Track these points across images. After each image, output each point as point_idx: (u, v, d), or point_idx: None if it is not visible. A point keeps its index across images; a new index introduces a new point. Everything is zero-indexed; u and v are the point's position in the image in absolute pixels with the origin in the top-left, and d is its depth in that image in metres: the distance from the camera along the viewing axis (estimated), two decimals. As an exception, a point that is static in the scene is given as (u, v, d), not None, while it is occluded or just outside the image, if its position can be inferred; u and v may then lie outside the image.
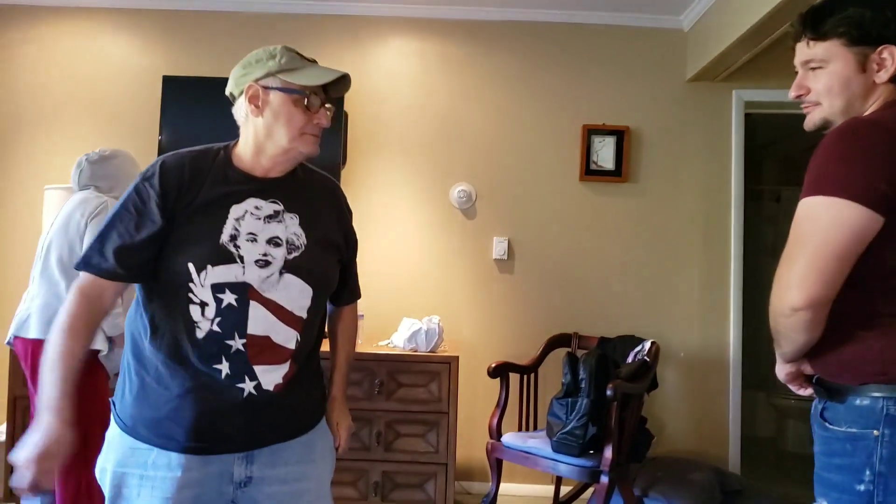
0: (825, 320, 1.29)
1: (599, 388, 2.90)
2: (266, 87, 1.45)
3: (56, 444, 1.31)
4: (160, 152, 3.66)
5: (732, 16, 3.22)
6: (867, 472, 1.25)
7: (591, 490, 3.51)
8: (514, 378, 3.37)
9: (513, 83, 3.90)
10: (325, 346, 1.71)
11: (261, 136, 1.47)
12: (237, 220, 1.43)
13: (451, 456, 3.17)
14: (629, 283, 3.85)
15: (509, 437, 3.16)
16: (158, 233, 1.40)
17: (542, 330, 3.75)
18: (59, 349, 1.37)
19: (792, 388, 1.52)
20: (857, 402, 1.29)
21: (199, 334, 1.39)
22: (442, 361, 3.20)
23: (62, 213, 2.71)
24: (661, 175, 3.87)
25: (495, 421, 3.21)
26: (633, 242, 3.86)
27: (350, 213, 1.68)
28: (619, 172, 3.83)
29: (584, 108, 3.88)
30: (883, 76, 1.35)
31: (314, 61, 1.52)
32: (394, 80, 3.90)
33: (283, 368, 1.45)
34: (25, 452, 1.30)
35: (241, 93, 1.48)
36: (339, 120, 3.56)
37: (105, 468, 1.43)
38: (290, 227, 1.48)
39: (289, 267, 1.45)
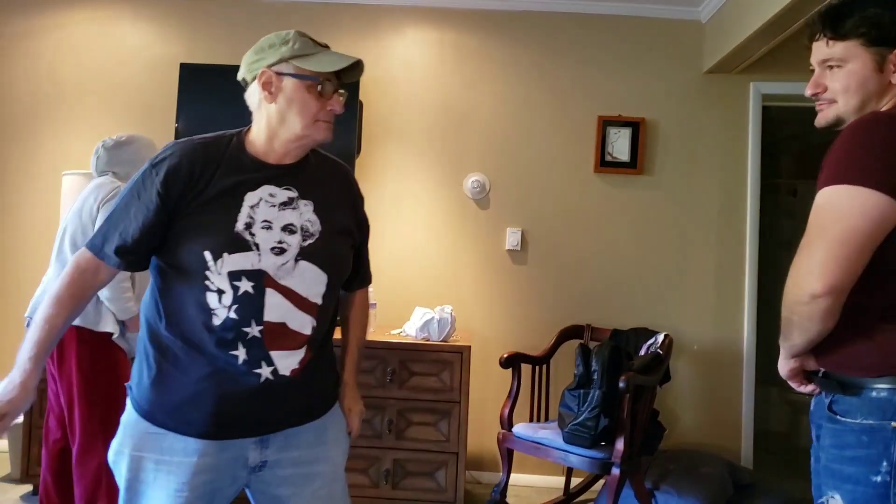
0: (840, 311, 1.29)
1: (612, 380, 2.90)
2: (279, 74, 1.45)
3: (8, 403, 1.36)
4: (176, 139, 3.67)
5: (751, 7, 3.18)
6: (884, 463, 1.26)
7: (601, 482, 3.52)
8: (525, 369, 3.37)
9: (529, 73, 3.89)
10: (337, 333, 1.72)
11: (274, 122, 1.47)
12: (252, 207, 1.43)
13: (462, 445, 3.18)
14: (643, 275, 3.83)
15: (520, 428, 3.17)
16: (159, 222, 1.40)
17: (554, 321, 3.75)
18: (42, 314, 1.40)
19: (792, 384, 1.52)
20: (874, 394, 1.30)
21: (216, 321, 1.39)
22: (454, 351, 3.21)
23: (79, 198, 2.74)
24: (677, 167, 3.85)
25: (507, 411, 3.21)
26: (647, 235, 3.84)
27: (362, 198, 1.68)
28: (634, 164, 3.82)
29: (599, 99, 3.86)
30: None
31: (326, 46, 1.51)
32: (409, 70, 3.90)
33: (300, 354, 1.46)
34: None
35: (254, 78, 1.47)
36: (354, 109, 3.56)
37: (122, 452, 1.44)
38: (305, 214, 1.48)
39: (304, 254, 1.45)
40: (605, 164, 3.82)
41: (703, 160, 3.85)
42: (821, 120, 1.47)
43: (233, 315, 1.39)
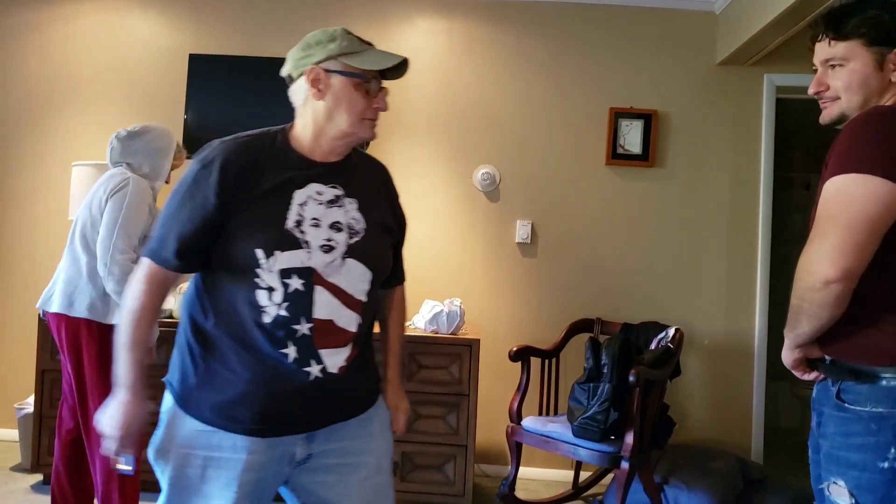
0: (850, 297, 1.33)
1: (622, 374, 2.88)
2: (328, 71, 1.44)
3: (134, 417, 1.44)
4: (186, 131, 3.68)
5: (766, -3, 3.15)
6: (892, 450, 1.31)
7: (610, 476, 3.50)
8: (535, 362, 3.36)
9: (539, 64, 3.86)
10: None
11: (321, 119, 1.47)
12: (301, 205, 1.43)
13: (470, 438, 3.18)
14: (654, 268, 3.81)
15: (530, 421, 3.16)
16: (216, 222, 1.40)
17: (564, 314, 3.73)
18: (129, 337, 1.44)
19: (796, 373, 1.58)
20: (884, 382, 1.34)
21: (266, 319, 1.39)
22: (463, 344, 3.20)
23: (91, 189, 2.74)
24: (689, 160, 3.82)
25: (516, 404, 3.21)
26: (659, 228, 3.81)
27: (398, 195, 1.69)
28: (646, 157, 3.79)
29: (611, 90, 3.83)
30: None
31: (370, 44, 1.50)
32: (419, 61, 3.87)
33: (346, 351, 1.47)
34: (108, 427, 1.43)
35: (300, 75, 1.47)
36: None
37: (166, 449, 1.44)
38: (350, 212, 1.48)
39: (351, 251, 1.46)
40: (616, 156, 3.79)
41: (716, 153, 3.81)
42: (825, 117, 1.54)
43: (283, 312, 1.40)
